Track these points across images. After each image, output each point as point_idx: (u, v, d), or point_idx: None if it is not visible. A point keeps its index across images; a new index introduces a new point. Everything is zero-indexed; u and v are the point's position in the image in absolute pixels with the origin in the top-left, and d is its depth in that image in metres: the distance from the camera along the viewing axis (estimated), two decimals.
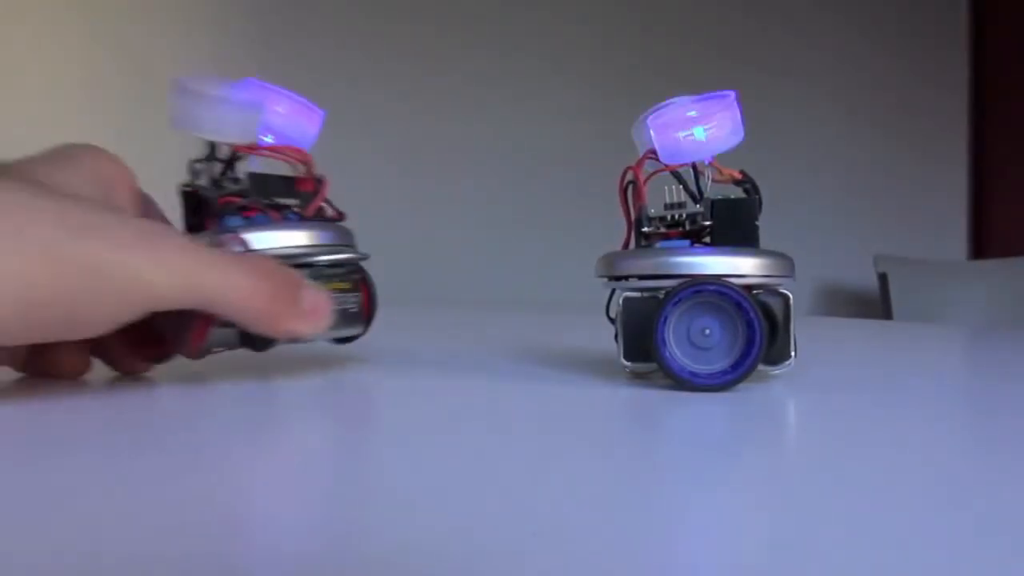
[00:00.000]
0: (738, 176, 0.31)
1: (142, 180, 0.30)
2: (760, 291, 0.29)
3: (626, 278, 0.30)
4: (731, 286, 0.28)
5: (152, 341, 0.30)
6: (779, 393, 0.29)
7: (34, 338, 0.26)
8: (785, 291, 0.29)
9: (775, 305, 0.29)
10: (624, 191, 0.32)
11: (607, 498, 0.16)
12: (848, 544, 0.13)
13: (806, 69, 2.04)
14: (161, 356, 0.31)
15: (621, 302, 0.29)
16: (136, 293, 0.25)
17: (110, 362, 0.32)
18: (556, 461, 0.19)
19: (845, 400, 0.29)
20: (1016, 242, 2.05)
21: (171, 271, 0.25)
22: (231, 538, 0.14)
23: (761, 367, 0.29)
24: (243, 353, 0.30)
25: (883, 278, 1.86)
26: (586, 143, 1.66)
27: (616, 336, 0.30)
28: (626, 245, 0.32)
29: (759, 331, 0.28)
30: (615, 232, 0.33)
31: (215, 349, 0.30)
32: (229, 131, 0.30)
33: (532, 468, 0.19)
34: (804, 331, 0.31)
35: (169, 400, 0.28)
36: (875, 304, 1.92)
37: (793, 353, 0.29)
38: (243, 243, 0.29)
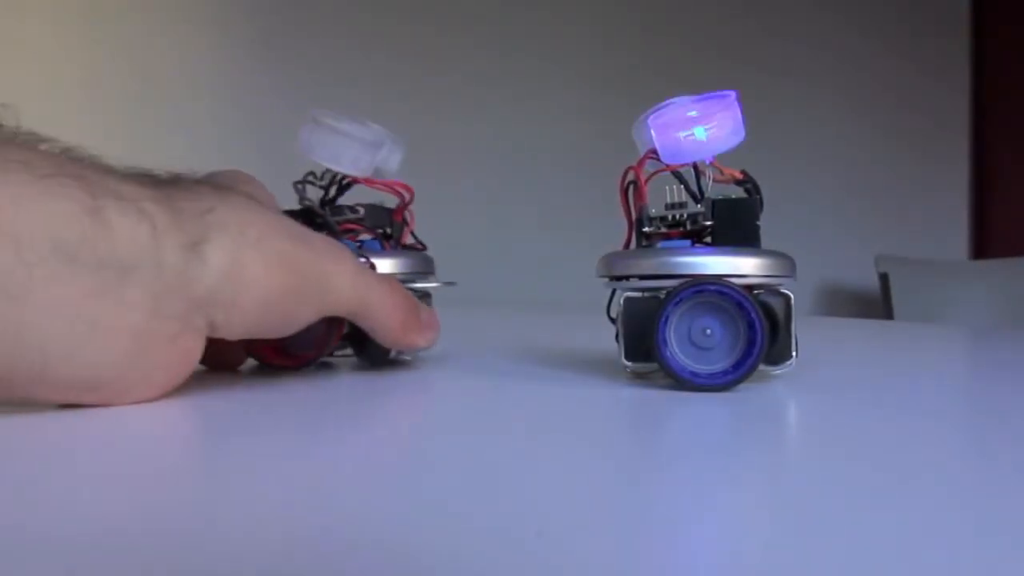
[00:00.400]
0: (739, 176, 0.31)
1: None
2: (761, 291, 0.29)
3: (627, 278, 0.30)
4: (732, 286, 0.28)
5: (272, 347, 0.33)
6: (780, 393, 0.29)
7: (250, 335, 0.27)
8: (786, 291, 0.29)
9: (776, 305, 0.29)
10: (625, 191, 0.32)
11: (608, 498, 0.16)
12: (848, 544, 0.13)
13: (806, 69, 2.04)
14: (303, 363, 0.33)
15: (622, 302, 0.29)
16: (329, 300, 0.28)
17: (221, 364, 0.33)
18: (557, 461, 0.19)
19: (846, 400, 0.29)
20: (1017, 242, 2.05)
21: (351, 285, 0.29)
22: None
23: (762, 367, 0.29)
24: None
25: (884, 278, 1.86)
26: (586, 143, 1.66)
27: (617, 336, 0.30)
28: (627, 245, 0.32)
29: (760, 331, 0.28)
30: (615, 232, 0.33)
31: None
32: (360, 166, 0.34)
33: (533, 468, 0.19)
34: (805, 331, 0.31)
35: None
36: (876, 304, 1.92)
37: (794, 353, 0.29)
38: (372, 266, 0.32)
